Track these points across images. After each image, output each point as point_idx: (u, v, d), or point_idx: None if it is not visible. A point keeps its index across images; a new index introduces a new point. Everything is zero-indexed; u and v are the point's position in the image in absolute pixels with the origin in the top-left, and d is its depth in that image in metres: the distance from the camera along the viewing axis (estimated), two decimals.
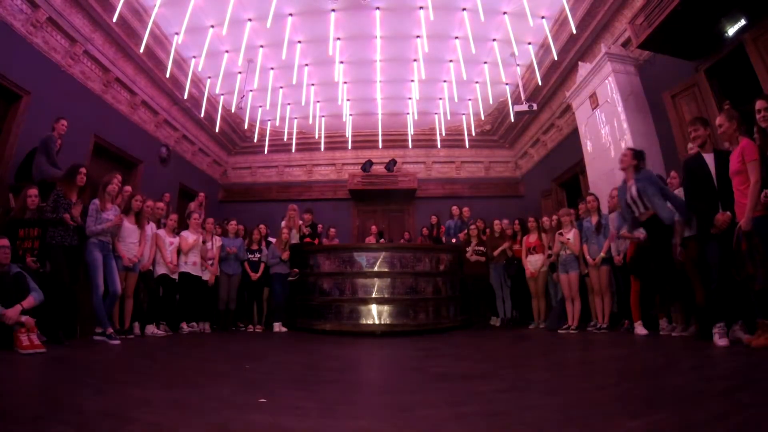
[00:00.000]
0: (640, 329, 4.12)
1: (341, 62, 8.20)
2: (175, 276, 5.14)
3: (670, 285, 3.74)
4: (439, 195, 11.23)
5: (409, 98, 9.44)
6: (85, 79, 6.78)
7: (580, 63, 7.14)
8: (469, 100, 9.49)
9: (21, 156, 5.27)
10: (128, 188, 5.18)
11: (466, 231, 6.45)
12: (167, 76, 7.80)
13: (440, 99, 9.41)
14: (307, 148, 11.37)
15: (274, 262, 5.81)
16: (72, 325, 4.05)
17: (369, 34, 7.54)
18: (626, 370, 2.62)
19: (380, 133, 10.48)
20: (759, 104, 2.91)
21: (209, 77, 8.56)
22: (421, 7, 6.90)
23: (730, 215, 3.04)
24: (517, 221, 6.36)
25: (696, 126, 3.41)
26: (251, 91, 8.96)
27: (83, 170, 4.06)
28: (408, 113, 10.03)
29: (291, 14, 7.06)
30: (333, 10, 7.02)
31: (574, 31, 6.76)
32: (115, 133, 7.49)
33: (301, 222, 6.58)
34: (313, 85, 9.03)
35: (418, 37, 7.47)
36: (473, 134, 10.55)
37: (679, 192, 3.86)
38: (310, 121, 9.98)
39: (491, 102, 9.27)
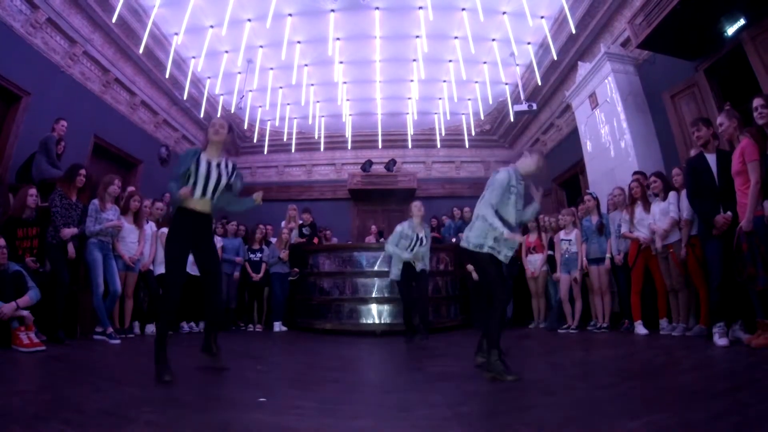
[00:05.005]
0: (640, 329, 4.13)
1: (341, 62, 8.19)
2: None
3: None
4: (439, 195, 11.18)
5: (409, 98, 9.42)
6: (84, 80, 6.77)
7: (579, 63, 7.13)
8: (469, 100, 9.47)
9: (21, 156, 5.26)
10: (131, 188, 5.18)
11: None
12: (167, 76, 7.79)
13: (440, 99, 9.38)
14: (307, 148, 11.34)
15: (274, 261, 5.81)
16: (72, 325, 4.07)
17: (368, 35, 7.52)
18: (626, 370, 2.62)
19: (380, 133, 10.44)
20: (756, 102, 2.91)
21: (209, 77, 8.55)
22: (420, 7, 6.88)
23: (731, 215, 3.03)
24: None
25: (698, 126, 3.40)
26: (251, 91, 8.95)
27: (83, 171, 4.07)
28: (407, 113, 10.00)
29: (290, 14, 7.05)
30: (332, 11, 7.02)
31: (574, 31, 6.75)
32: (115, 134, 7.48)
33: (300, 221, 6.60)
34: (312, 85, 9.01)
35: (417, 37, 7.45)
36: (473, 134, 10.52)
37: (682, 192, 3.84)
38: (310, 121, 9.95)
39: (491, 102, 9.25)
